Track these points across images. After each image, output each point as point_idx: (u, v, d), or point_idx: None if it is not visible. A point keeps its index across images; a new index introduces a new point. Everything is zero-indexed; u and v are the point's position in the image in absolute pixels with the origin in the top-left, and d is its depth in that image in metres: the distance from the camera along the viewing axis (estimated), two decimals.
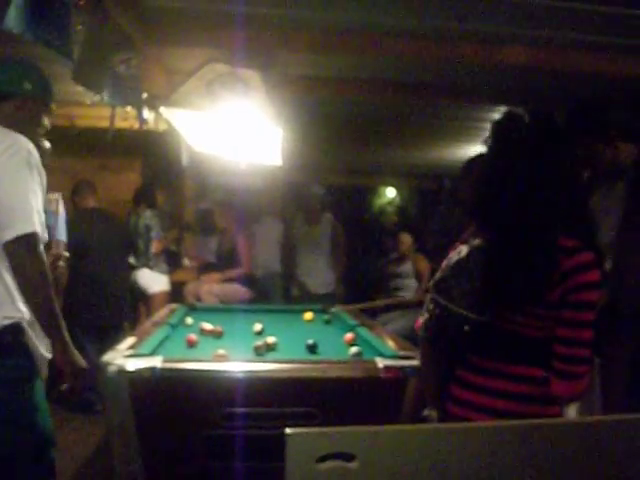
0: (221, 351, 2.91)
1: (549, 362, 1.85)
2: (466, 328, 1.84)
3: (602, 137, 2.90)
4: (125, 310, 5.56)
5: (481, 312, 1.84)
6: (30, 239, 2.13)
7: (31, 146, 2.23)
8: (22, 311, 2.19)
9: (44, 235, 2.24)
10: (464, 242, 1.99)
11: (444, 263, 1.98)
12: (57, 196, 3.82)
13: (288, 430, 1.02)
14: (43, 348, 2.29)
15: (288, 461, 1.00)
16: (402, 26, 3.46)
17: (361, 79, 4.51)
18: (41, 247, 2.19)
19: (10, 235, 2.11)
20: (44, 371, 2.35)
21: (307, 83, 4.39)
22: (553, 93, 4.52)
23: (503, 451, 1.11)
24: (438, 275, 1.97)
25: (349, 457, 1.00)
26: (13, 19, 2.14)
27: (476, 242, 1.92)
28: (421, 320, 1.97)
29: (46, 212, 2.30)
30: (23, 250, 2.13)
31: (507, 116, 1.96)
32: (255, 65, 3.64)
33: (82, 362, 2.33)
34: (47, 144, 2.59)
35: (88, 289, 5.19)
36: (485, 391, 1.91)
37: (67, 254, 3.01)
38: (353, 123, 6.07)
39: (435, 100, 4.84)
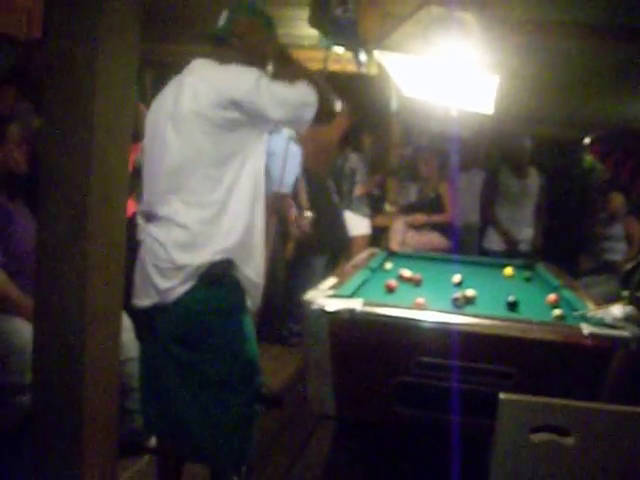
0: (420, 299, 2.90)
1: None
2: None
3: None
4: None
5: None
6: None
7: None
8: (230, 248, 2.31)
9: None
10: None
11: None
12: None
13: (502, 395, 0.99)
14: (253, 274, 2.41)
15: (500, 427, 0.96)
16: None
17: (588, 24, 4.19)
18: None
19: None
20: (257, 298, 2.50)
21: (528, 28, 4.16)
22: None
23: None
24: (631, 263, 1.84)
25: (564, 431, 0.95)
26: None
27: None
28: None
29: None
30: None
31: None
32: (472, 7, 3.49)
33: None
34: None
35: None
36: None
37: None
38: (574, 73, 5.68)
39: None
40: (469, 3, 3.47)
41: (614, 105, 7.46)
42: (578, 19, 4.14)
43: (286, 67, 2.52)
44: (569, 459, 0.94)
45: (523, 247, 5.88)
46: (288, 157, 4.50)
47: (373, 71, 4.78)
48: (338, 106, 2.52)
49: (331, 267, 5.06)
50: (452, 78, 3.74)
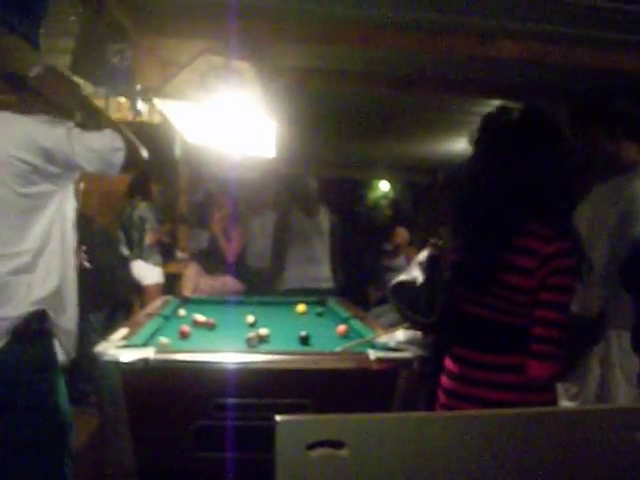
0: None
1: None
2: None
3: (605, 129, 2.78)
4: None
5: (428, 314, 1.95)
6: None
7: None
8: (46, 297, 2.28)
9: None
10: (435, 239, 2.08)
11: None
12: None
13: (278, 417, 1.03)
14: (67, 323, 2.40)
15: (278, 448, 1.01)
16: (394, 19, 3.46)
17: (354, 72, 4.51)
18: None
19: None
20: (70, 349, 2.46)
21: (300, 75, 4.38)
22: (547, 87, 4.53)
23: (493, 440, 1.12)
24: (400, 277, 2.08)
25: (339, 444, 1.01)
26: None
27: (435, 244, 2.09)
28: None
29: None
30: None
31: (496, 111, 2.02)
32: (249, 57, 3.64)
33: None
34: None
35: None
36: (472, 382, 1.95)
37: None
38: (346, 116, 6.06)
39: (428, 93, 4.84)
40: (245, 53, 3.61)
41: (393, 146, 8.02)
42: (350, 67, 4.45)
43: (91, 116, 2.56)
44: (345, 469, 1.01)
45: (324, 285, 6.03)
46: None
47: (156, 119, 4.77)
48: (144, 152, 2.57)
49: (113, 321, 4.91)
50: (232, 124, 3.85)
